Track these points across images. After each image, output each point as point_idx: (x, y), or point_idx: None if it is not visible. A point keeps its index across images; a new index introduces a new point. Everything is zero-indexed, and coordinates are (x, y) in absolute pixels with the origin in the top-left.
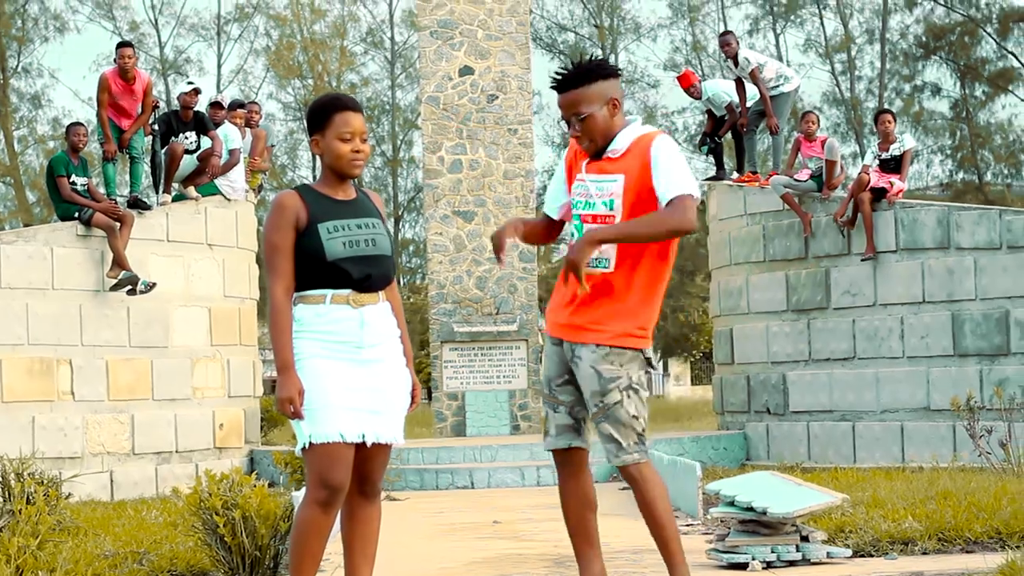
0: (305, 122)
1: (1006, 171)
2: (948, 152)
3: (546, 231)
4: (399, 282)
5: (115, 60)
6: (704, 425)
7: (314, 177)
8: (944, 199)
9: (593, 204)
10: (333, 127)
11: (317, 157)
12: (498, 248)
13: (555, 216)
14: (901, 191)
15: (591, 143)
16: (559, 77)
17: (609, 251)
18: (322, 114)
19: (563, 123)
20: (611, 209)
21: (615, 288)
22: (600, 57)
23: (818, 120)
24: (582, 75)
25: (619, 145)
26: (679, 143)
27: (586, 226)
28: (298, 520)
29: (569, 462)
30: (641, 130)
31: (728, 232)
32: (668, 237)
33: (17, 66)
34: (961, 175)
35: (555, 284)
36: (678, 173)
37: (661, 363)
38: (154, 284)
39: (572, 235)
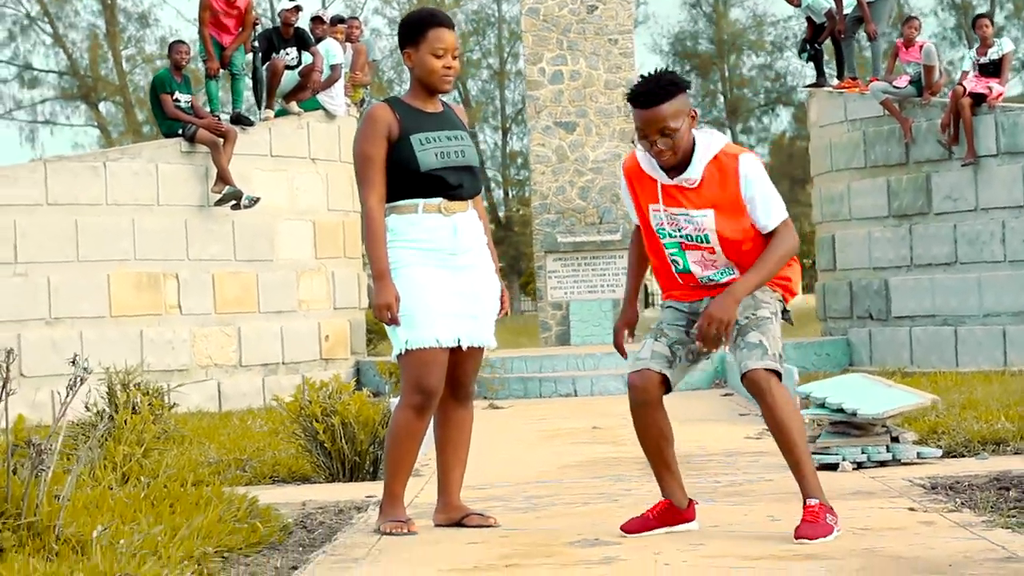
0: (398, 36)
1: None
2: None
3: (642, 246)
4: (507, 195)
5: None
6: (809, 332)
7: None
8: None
9: (688, 237)
10: (427, 42)
11: (409, 70)
12: (622, 352)
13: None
14: (1001, 95)
15: (673, 156)
16: (642, 92)
17: (721, 265)
18: (416, 29)
19: (636, 141)
20: (708, 242)
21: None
22: (672, 70)
23: (920, 26)
24: (668, 88)
25: (696, 170)
26: (790, 49)
27: (688, 254)
28: (393, 424)
29: (649, 390)
30: (713, 149)
31: (829, 139)
32: (787, 261)
33: None
34: None
35: (661, 273)
36: (774, 202)
37: None
38: (258, 199)
39: (675, 263)
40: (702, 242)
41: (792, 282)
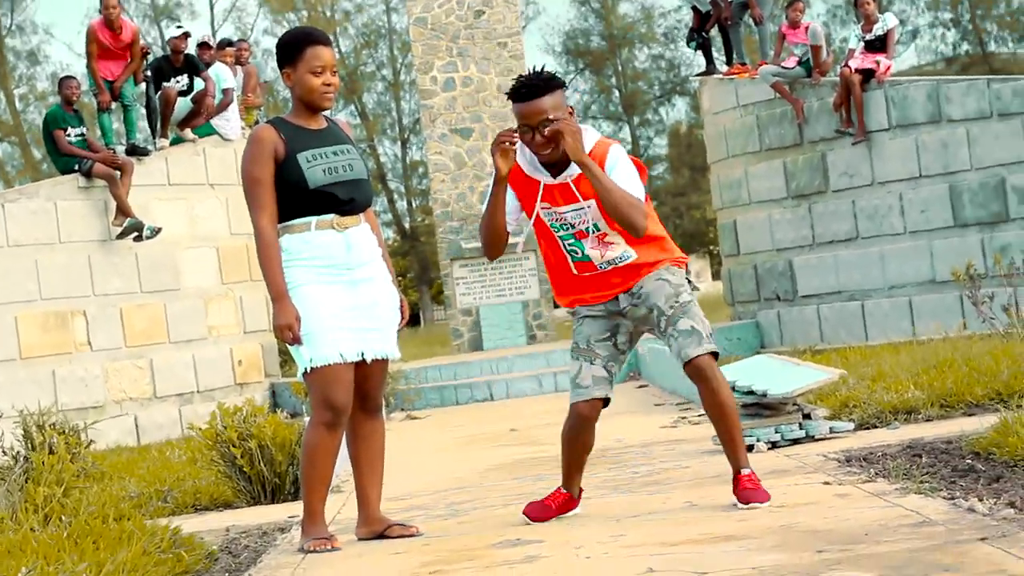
0: (276, 56)
1: (1010, 39)
2: (948, 25)
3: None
4: (410, 205)
5: (100, 11)
6: (719, 317)
7: None
8: (947, 73)
9: (581, 227)
10: (304, 61)
11: (289, 89)
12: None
13: (508, 228)
14: (888, 69)
15: (555, 149)
16: (524, 86)
17: (622, 247)
18: (293, 48)
19: (520, 132)
20: (601, 230)
21: (648, 259)
22: (549, 71)
23: (804, 8)
24: (548, 83)
25: (574, 168)
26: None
27: (585, 242)
28: (306, 443)
29: (590, 413)
30: (589, 144)
31: (723, 125)
32: (617, 219)
33: (11, 24)
34: (965, 47)
35: (557, 274)
36: (634, 184)
37: None
38: (159, 229)
39: (574, 253)
40: (596, 230)
41: (686, 260)
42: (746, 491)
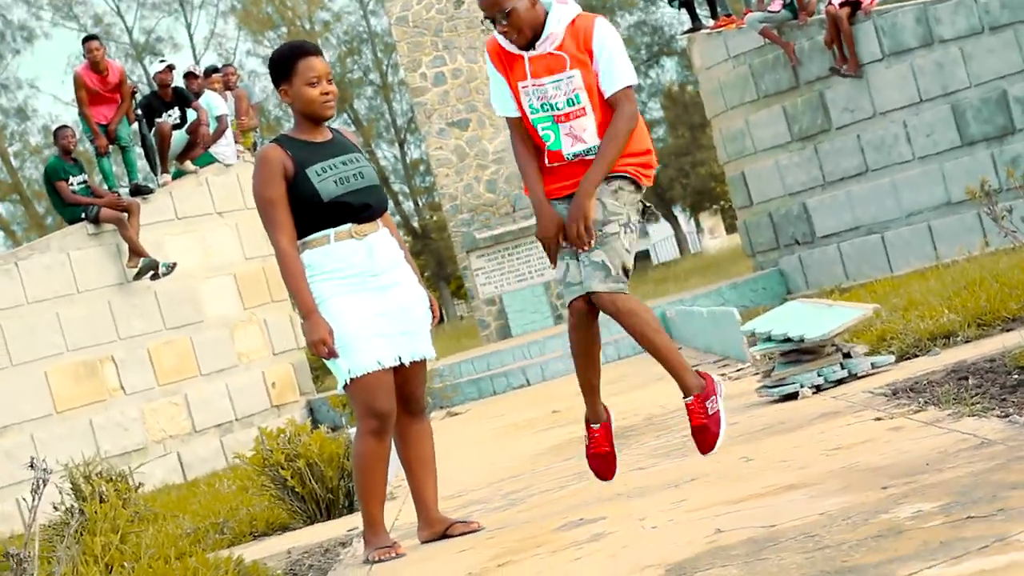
0: (270, 75)
1: None
2: None
3: (528, 140)
4: (417, 204)
5: (84, 56)
6: (741, 269)
7: None
8: None
9: (559, 104)
10: (299, 74)
11: (288, 106)
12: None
13: (519, 114)
14: (875, 0)
15: (520, 35)
16: None
17: (592, 138)
18: (286, 64)
19: (487, 22)
20: (579, 103)
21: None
22: None
23: None
24: None
25: (554, 33)
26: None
27: (561, 126)
28: (356, 454)
29: (585, 308)
30: (571, 12)
31: (717, 79)
32: (629, 137)
33: None
34: None
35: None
36: (621, 65)
37: (692, 220)
38: (175, 264)
39: (547, 139)
40: (573, 104)
41: (649, 154)
42: (695, 438)
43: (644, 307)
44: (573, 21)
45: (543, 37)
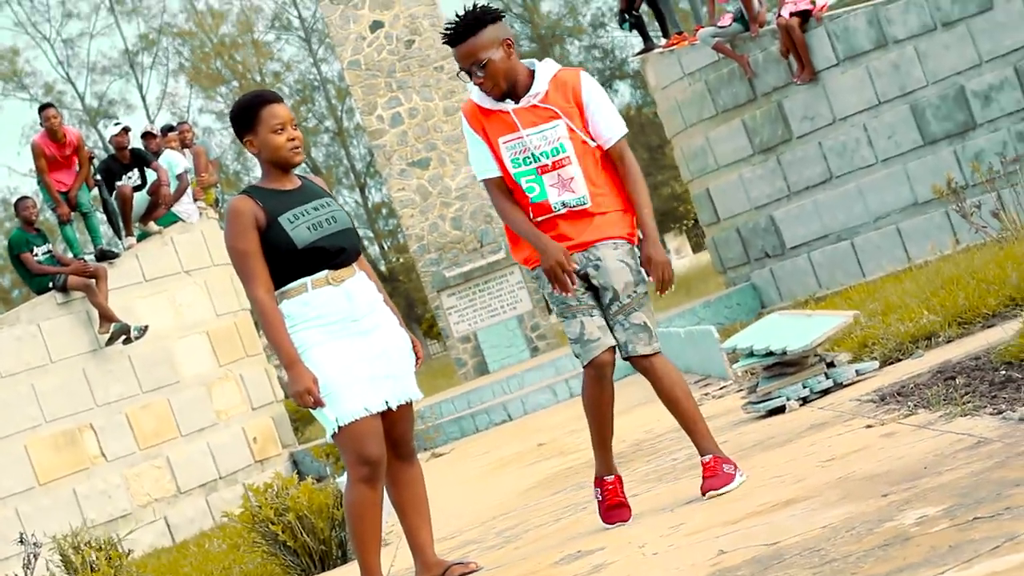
0: (232, 127)
1: None
2: None
3: (509, 194)
4: (383, 248)
5: (41, 124)
6: (713, 287)
7: None
8: None
9: (545, 154)
10: (263, 123)
11: (254, 157)
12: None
13: (499, 174)
14: (825, 6)
15: (495, 87)
16: (450, 32)
17: (581, 188)
18: (248, 113)
19: (463, 75)
20: (564, 152)
21: (600, 209)
22: (482, 3)
23: None
24: (471, 24)
25: (539, 88)
26: (610, 24)
27: (545, 177)
28: (348, 503)
29: (610, 359)
30: (553, 68)
31: (674, 97)
32: None
33: None
34: None
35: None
36: (612, 115)
37: None
38: (146, 327)
39: (531, 191)
40: (557, 154)
41: (635, 232)
42: (705, 481)
43: (678, 372)
44: (555, 75)
45: (531, 92)
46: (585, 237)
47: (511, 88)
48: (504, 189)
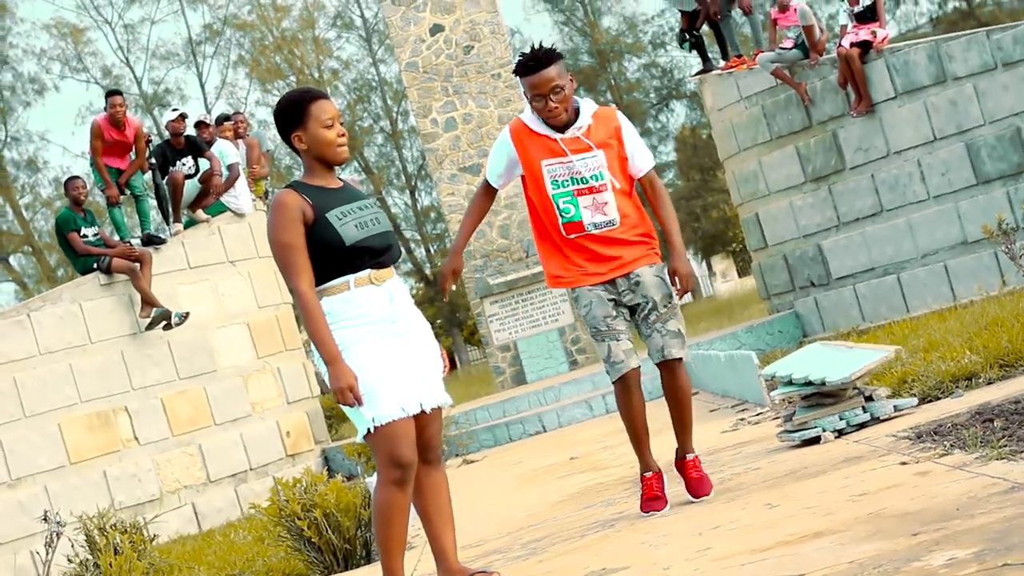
0: (277, 123)
1: None
2: None
3: (488, 203)
4: (428, 251)
5: (105, 108)
6: (756, 313)
7: None
8: (936, 34)
9: (585, 179)
10: (313, 118)
11: (301, 153)
12: (445, 294)
13: (497, 185)
14: (886, 38)
15: (566, 112)
16: (530, 62)
17: (612, 212)
18: (298, 109)
19: (532, 103)
20: (602, 179)
21: (630, 232)
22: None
23: None
24: (550, 56)
25: (583, 122)
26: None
27: (581, 199)
28: (377, 504)
29: (636, 378)
30: (593, 106)
31: (729, 120)
32: None
33: (6, 137)
34: (951, 5)
35: (547, 247)
36: (644, 148)
37: (704, 263)
38: (187, 314)
39: (567, 212)
40: (596, 180)
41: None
42: (692, 483)
43: (690, 383)
44: (596, 112)
45: (577, 124)
46: (626, 260)
47: (570, 120)
48: (489, 196)
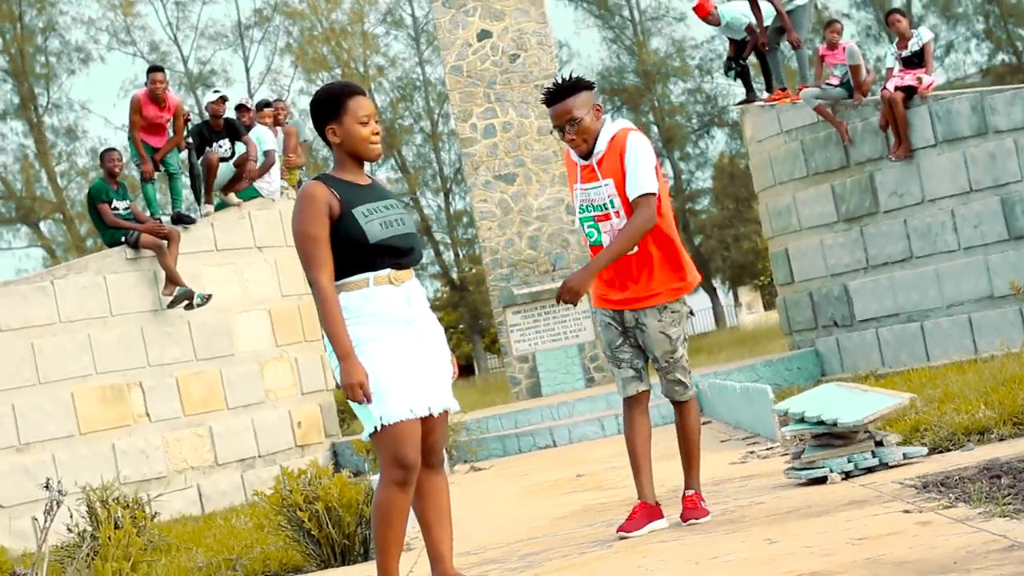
0: (313, 114)
1: None
2: (981, 37)
3: None
4: (457, 255)
5: (146, 84)
6: (777, 347)
7: None
8: (983, 85)
9: (599, 207)
10: (349, 113)
11: (333, 146)
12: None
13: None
14: (931, 85)
15: (583, 144)
16: (550, 93)
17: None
18: (335, 102)
19: (555, 133)
20: (614, 207)
21: (647, 257)
22: (578, 75)
23: (841, 29)
24: (569, 88)
25: (600, 148)
26: (716, 70)
27: (601, 224)
28: (378, 503)
29: (639, 402)
30: (612, 129)
31: (768, 152)
32: (641, 238)
33: (48, 103)
34: (1000, 57)
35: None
36: (640, 174)
37: (731, 293)
38: (210, 295)
39: (591, 235)
40: (608, 208)
41: (685, 271)
42: (686, 511)
43: (699, 419)
44: (612, 137)
45: (595, 151)
46: (636, 294)
47: (593, 147)
48: None
